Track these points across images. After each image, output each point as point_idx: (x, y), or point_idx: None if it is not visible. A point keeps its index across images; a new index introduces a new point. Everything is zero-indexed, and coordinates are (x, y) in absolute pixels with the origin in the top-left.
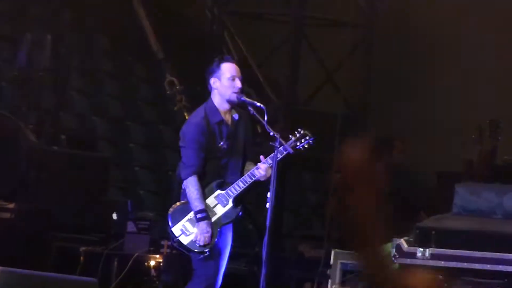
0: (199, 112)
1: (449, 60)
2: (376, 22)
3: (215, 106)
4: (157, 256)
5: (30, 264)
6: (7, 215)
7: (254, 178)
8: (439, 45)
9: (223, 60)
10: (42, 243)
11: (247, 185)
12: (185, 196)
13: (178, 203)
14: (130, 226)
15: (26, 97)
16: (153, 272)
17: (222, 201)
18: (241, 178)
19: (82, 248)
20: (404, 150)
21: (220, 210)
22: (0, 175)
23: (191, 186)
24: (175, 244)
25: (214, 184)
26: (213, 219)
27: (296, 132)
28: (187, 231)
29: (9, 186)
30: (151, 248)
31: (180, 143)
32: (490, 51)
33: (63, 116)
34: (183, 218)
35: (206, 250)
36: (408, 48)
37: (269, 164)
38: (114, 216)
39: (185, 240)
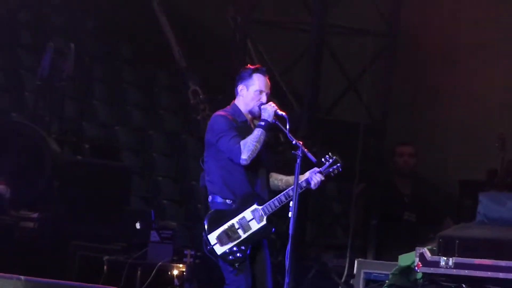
0: (223, 110)
1: (472, 67)
2: (398, 30)
3: (239, 109)
4: (180, 265)
5: (53, 273)
6: (30, 224)
7: (289, 199)
8: (462, 52)
9: (257, 70)
10: (65, 253)
11: (282, 203)
12: (214, 206)
13: (214, 211)
14: (153, 236)
15: (49, 107)
16: (176, 281)
17: (257, 217)
18: (278, 197)
19: (106, 257)
20: (408, 152)
21: (254, 226)
22: (24, 185)
23: (245, 147)
24: (207, 252)
25: (252, 197)
26: (247, 234)
27: (327, 157)
28: (222, 241)
29: (32, 196)
30: (174, 258)
31: (210, 138)
32: None
33: (85, 125)
34: (220, 227)
35: (236, 264)
36: (430, 56)
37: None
38: (137, 225)
39: (219, 250)
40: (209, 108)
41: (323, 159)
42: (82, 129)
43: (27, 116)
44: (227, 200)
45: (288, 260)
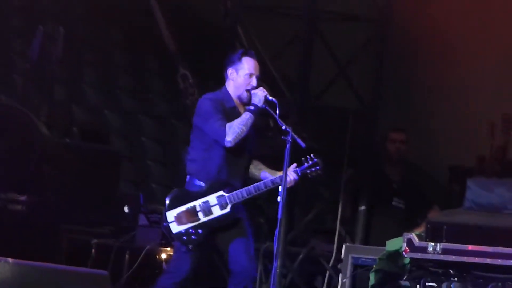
0: (213, 93)
1: (464, 54)
2: (389, 16)
3: (229, 93)
4: (168, 249)
5: (41, 256)
6: (19, 207)
7: (258, 192)
8: (454, 38)
9: (246, 54)
10: (53, 236)
11: (251, 195)
12: (189, 186)
13: (178, 190)
14: (142, 219)
15: (38, 90)
16: (164, 265)
17: (221, 203)
18: (247, 188)
19: (94, 241)
20: (398, 140)
21: (216, 212)
22: (12, 167)
23: (230, 129)
24: (163, 229)
25: (222, 183)
26: (206, 218)
27: (309, 158)
28: (180, 220)
29: (21, 178)
30: (163, 241)
31: (196, 121)
32: (506, 46)
33: (75, 109)
34: (180, 206)
35: (190, 246)
36: (422, 42)
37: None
38: (126, 209)
39: (175, 228)
40: (199, 93)
41: (303, 159)
42: (72, 113)
43: (16, 99)
44: (201, 183)
45: (276, 244)
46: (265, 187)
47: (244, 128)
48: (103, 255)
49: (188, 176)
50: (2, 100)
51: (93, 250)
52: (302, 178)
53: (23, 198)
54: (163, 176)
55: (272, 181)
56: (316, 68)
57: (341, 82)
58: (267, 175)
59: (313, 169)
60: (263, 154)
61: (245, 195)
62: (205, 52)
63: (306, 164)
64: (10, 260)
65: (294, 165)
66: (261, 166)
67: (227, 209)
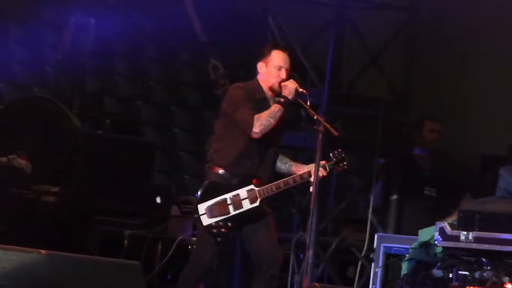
0: (245, 83)
1: (495, 41)
2: (420, 4)
3: (260, 85)
4: None
5: (74, 247)
6: (51, 198)
7: (287, 187)
8: (485, 25)
9: (275, 46)
10: (86, 227)
11: (280, 190)
12: (212, 177)
13: (210, 182)
14: (174, 210)
15: (70, 82)
16: None
17: (251, 197)
18: (277, 182)
19: (127, 232)
20: (436, 129)
21: (246, 206)
22: (45, 159)
23: (258, 121)
24: (195, 220)
25: (251, 176)
26: (236, 212)
27: (336, 153)
28: (210, 213)
29: (53, 170)
30: (195, 232)
31: (226, 108)
32: None
33: (107, 100)
34: (212, 199)
35: (219, 238)
36: (452, 30)
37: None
38: (158, 199)
39: (206, 221)
40: (229, 83)
41: (331, 154)
42: (104, 104)
43: (48, 90)
44: (226, 173)
45: (309, 234)
46: (294, 182)
47: (273, 120)
48: (135, 246)
49: (210, 164)
50: (35, 92)
51: (125, 241)
52: (329, 173)
53: (55, 189)
54: (195, 166)
55: (301, 176)
56: (347, 57)
57: (373, 71)
58: (295, 169)
59: (340, 164)
60: (295, 145)
61: (274, 189)
62: (236, 42)
63: (334, 160)
64: (43, 251)
65: (321, 163)
66: (287, 160)
67: (257, 203)
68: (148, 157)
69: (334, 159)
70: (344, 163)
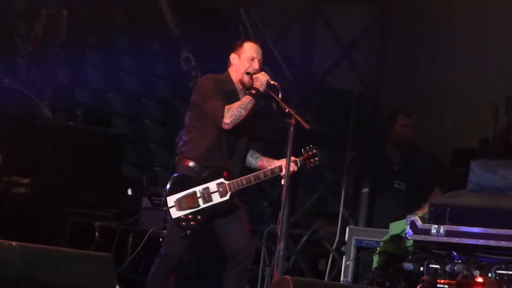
0: (214, 75)
1: (467, 35)
2: None
3: (230, 77)
4: None
5: (45, 239)
6: (22, 190)
7: (258, 181)
8: (458, 19)
9: (247, 38)
10: (57, 219)
11: (250, 184)
12: (179, 169)
13: (180, 174)
14: (145, 202)
15: (42, 73)
16: None
17: (221, 190)
18: (246, 176)
19: (97, 224)
20: (409, 124)
21: (216, 199)
22: (15, 151)
23: (229, 111)
24: (164, 213)
25: (222, 169)
26: (206, 205)
27: (308, 148)
28: (180, 206)
29: (24, 162)
30: (166, 224)
31: (196, 99)
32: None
33: (78, 92)
34: (181, 192)
35: (188, 231)
36: (425, 24)
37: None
38: (129, 191)
39: (174, 213)
40: (201, 75)
41: (303, 150)
42: (75, 96)
43: (19, 82)
44: (196, 165)
45: (280, 227)
46: (265, 176)
47: (243, 112)
48: (106, 238)
49: (179, 156)
50: (6, 83)
51: (96, 233)
52: (300, 168)
53: (26, 181)
54: (166, 158)
55: (272, 171)
56: (319, 50)
57: (345, 64)
58: (266, 164)
59: (311, 159)
60: (266, 138)
61: (244, 183)
62: (207, 34)
63: (305, 155)
64: (13, 243)
65: (292, 158)
66: (257, 155)
67: (227, 197)
68: (119, 149)
69: (305, 154)
70: (316, 158)
